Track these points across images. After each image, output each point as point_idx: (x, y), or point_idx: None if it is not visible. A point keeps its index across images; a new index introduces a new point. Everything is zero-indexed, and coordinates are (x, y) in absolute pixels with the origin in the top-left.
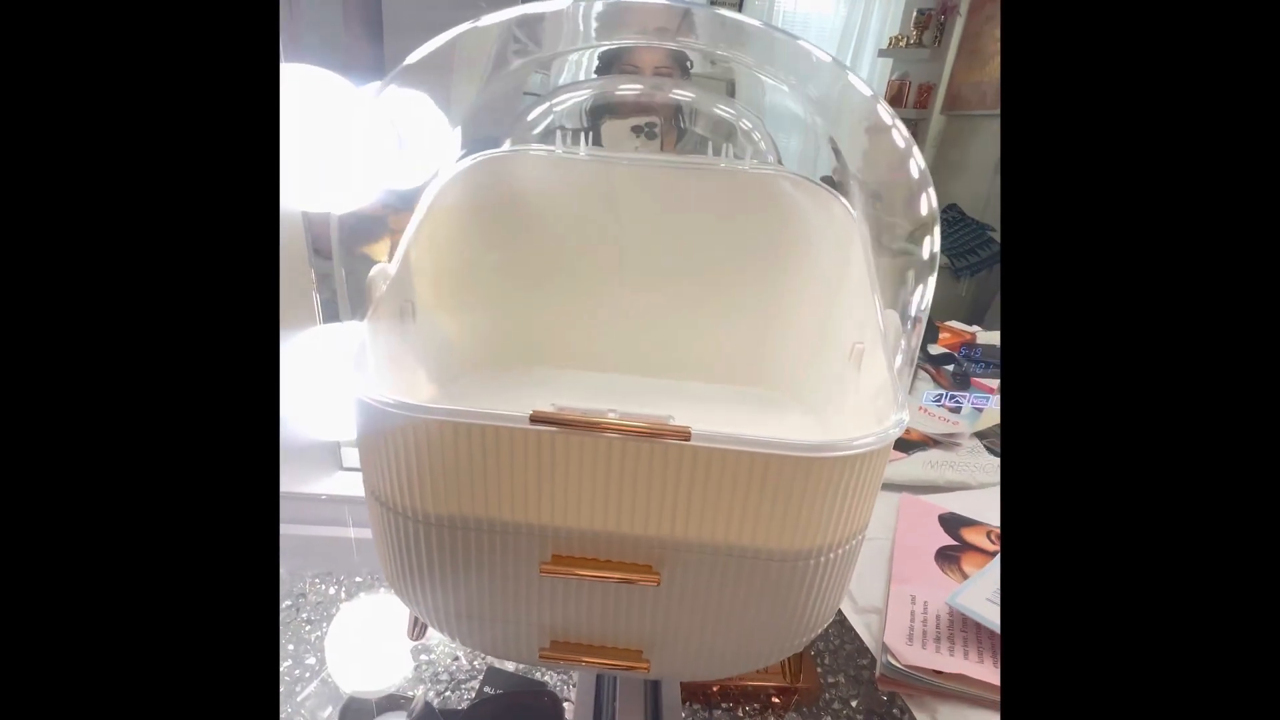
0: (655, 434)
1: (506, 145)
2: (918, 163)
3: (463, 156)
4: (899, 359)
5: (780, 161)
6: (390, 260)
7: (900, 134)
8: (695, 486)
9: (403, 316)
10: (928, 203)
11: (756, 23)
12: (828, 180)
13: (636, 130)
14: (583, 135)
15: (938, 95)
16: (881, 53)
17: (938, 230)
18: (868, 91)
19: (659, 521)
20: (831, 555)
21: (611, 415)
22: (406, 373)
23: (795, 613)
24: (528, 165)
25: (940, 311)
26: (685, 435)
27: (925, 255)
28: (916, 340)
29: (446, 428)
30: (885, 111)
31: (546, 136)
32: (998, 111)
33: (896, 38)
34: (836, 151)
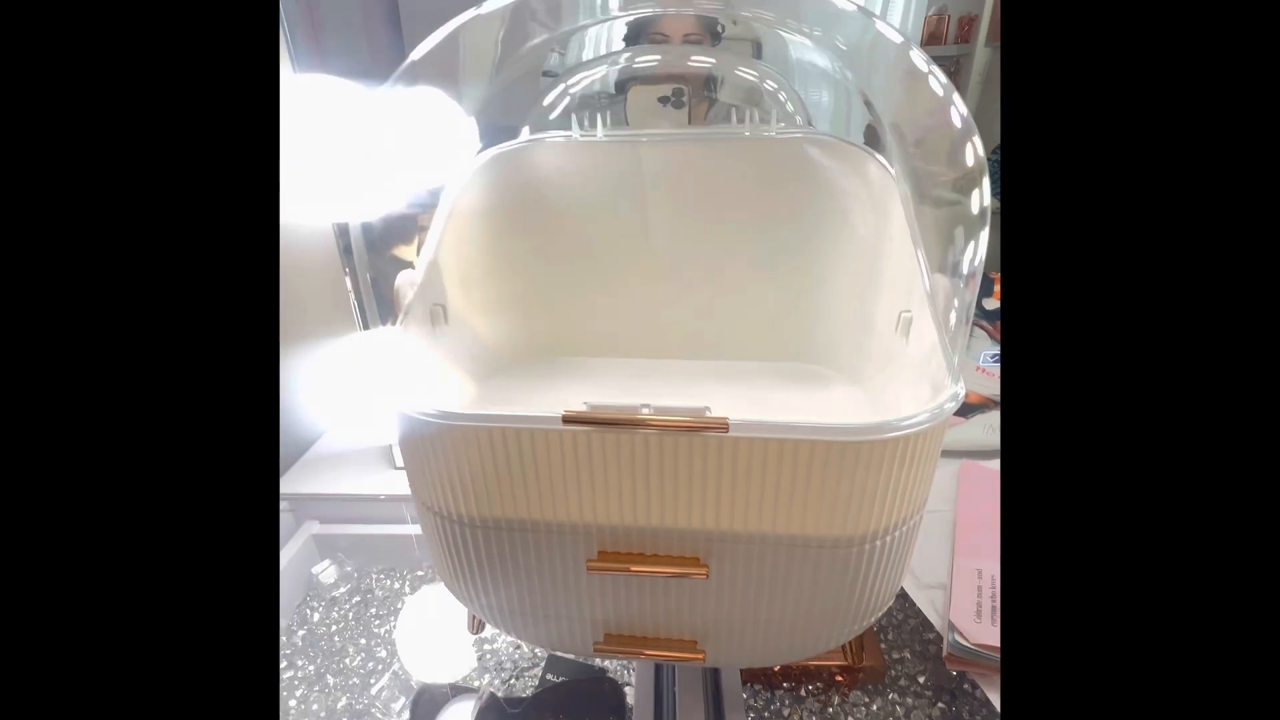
0: (692, 428)
1: (525, 133)
2: (959, 110)
3: (482, 149)
4: (951, 323)
5: (810, 122)
6: (415, 264)
7: (938, 80)
8: (738, 477)
9: (434, 321)
10: (973, 152)
11: None
12: (866, 135)
13: (663, 100)
14: (599, 117)
15: (981, 26)
16: None
17: (987, 181)
18: (898, 38)
19: (704, 514)
20: (887, 539)
21: (646, 410)
22: (442, 376)
23: (851, 598)
24: (545, 153)
25: (994, 262)
26: (724, 427)
27: (975, 209)
28: (970, 299)
29: (482, 433)
30: (920, 58)
31: (565, 119)
32: None
33: None
34: (869, 105)
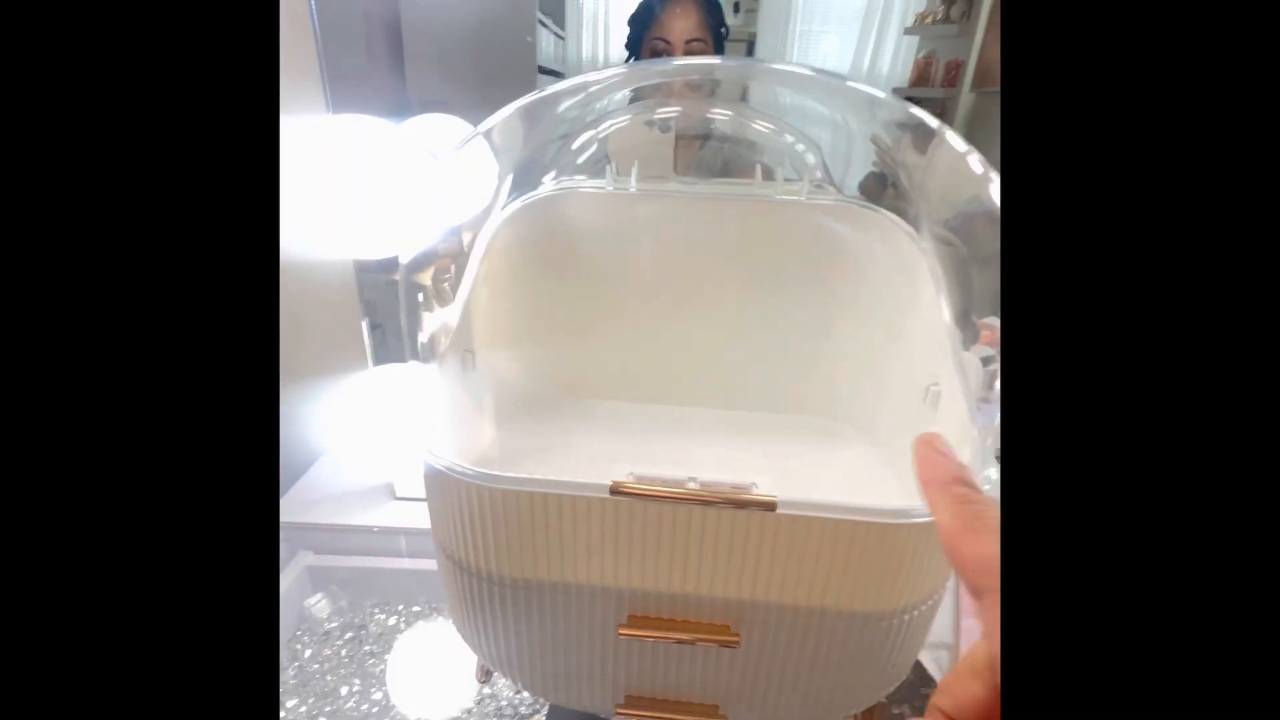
0: (739, 504)
1: (551, 175)
2: (994, 198)
3: (513, 196)
4: (987, 401)
5: (829, 174)
6: (450, 307)
7: (977, 162)
8: (778, 552)
9: (464, 366)
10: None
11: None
12: (863, 188)
13: (649, 124)
14: (632, 168)
15: (967, 72)
16: (907, 31)
17: None
18: (935, 123)
19: (739, 584)
20: (916, 613)
21: (692, 484)
22: (467, 421)
23: (877, 668)
24: (578, 203)
25: (976, 306)
26: (771, 506)
27: None
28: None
29: (522, 497)
30: (977, 162)
31: (590, 166)
32: None
33: (923, 14)
34: (895, 185)
